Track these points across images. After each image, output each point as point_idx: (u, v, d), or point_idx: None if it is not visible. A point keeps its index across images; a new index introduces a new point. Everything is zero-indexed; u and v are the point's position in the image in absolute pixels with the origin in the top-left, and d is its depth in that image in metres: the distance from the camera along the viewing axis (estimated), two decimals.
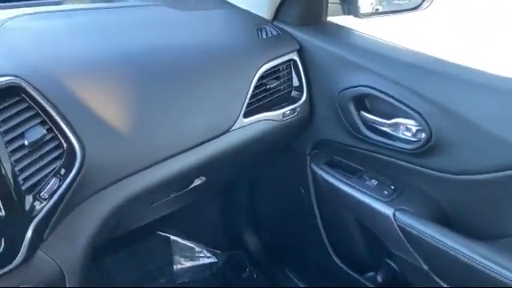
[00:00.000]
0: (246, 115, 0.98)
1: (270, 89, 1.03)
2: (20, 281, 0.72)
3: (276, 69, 1.04)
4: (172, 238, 1.66)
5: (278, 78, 1.05)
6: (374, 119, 0.98)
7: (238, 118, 0.97)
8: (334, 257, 1.23)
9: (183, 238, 1.67)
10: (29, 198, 0.68)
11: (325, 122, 1.10)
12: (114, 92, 0.81)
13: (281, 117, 1.05)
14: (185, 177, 0.97)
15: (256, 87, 0.99)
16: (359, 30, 1.12)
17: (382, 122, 0.97)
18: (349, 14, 1.12)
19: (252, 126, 1.00)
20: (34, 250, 0.71)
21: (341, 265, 1.22)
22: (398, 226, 0.93)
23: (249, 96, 0.98)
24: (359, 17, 1.11)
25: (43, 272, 0.74)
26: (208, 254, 1.68)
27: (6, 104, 0.68)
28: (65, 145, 0.73)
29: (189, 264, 1.64)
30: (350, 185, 1.04)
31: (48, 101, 0.71)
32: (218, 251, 1.67)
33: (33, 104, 0.70)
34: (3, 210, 0.65)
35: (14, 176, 0.67)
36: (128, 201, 0.84)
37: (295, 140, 1.17)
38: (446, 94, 0.88)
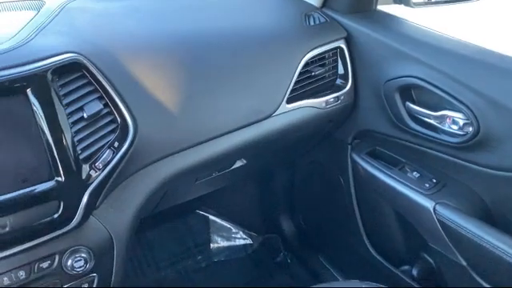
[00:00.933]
0: (289, 101, 1.00)
1: (315, 76, 1.04)
2: (74, 243, 0.78)
3: (322, 56, 1.05)
4: (210, 217, 1.71)
5: (323, 66, 1.06)
6: (419, 110, 0.97)
7: (281, 103, 0.98)
8: (370, 247, 1.23)
9: (221, 219, 1.72)
10: (85, 167, 0.74)
11: (368, 111, 1.10)
12: (166, 72, 0.85)
13: (324, 104, 1.06)
14: (227, 158, 1.00)
15: (301, 74, 1.00)
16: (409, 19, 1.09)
17: (427, 114, 0.96)
18: (400, 3, 1.10)
19: (294, 112, 1.01)
20: (88, 216, 0.76)
21: (376, 255, 1.22)
22: (438, 220, 0.92)
23: (293, 82, 0.99)
24: (411, 6, 1.08)
25: (94, 237, 0.80)
26: (244, 236, 1.72)
27: (68, 79, 0.73)
28: (119, 119, 0.78)
29: (225, 244, 1.69)
30: (390, 176, 1.04)
31: (105, 77, 0.76)
32: (254, 234, 1.71)
33: (92, 80, 0.75)
34: (63, 176, 0.71)
35: (74, 145, 0.72)
36: (174, 176, 0.88)
37: (337, 128, 1.17)
38: (496, 87, 0.85)
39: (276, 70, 0.97)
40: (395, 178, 1.03)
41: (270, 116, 0.97)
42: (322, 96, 1.06)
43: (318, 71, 1.05)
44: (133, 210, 0.85)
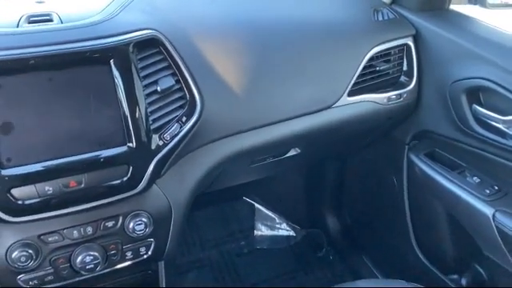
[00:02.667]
0: (350, 94, 1.00)
1: (379, 71, 1.04)
2: (137, 207, 0.83)
3: (387, 52, 1.04)
4: (256, 205, 1.75)
5: (388, 62, 1.05)
6: (487, 114, 0.94)
7: (342, 95, 0.99)
8: (418, 251, 1.21)
9: (267, 208, 1.75)
10: (155, 137, 0.78)
11: (431, 111, 1.07)
12: (235, 56, 0.88)
13: (385, 100, 1.05)
14: (283, 144, 1.02)
15: (365, 67, 1.00)
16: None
17: (495, 118, 0.92)
18: (475, 3, 1.07)
19: (355, 105, 1.02)
20: (152, 183, 0.81)
21: (423, 260, 1.20)
22: (497, 228, 0.89)
23: (356, 75, 1.00)
24: (486, 7, 1.05)
25: (155, 204, 0.85)
26: (287, 228, 1.74)
27: (146, 53, 0.78)
28: (188, 96, 0.82)
29: (268, 233, 1.72)
30: (449, 179, 1.01)
31: (179, 55, 0.80)
32: (297, 227, 1.73)
33: (167, 56, 0.80)
34: (134, 143, 0.76)
35: (146, 116, 0.77)
36: (232, 156, 0.92)
37: (396, 127, 1.16)
38: None
39: (341, 62, 0.98)
40: (454, 182, 1.00)
41: (329, 107, 0.98)
42: (384, 92, 1.05)
43: (383, 67, 1.04)
44: (192, 183, 0.89)
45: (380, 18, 1.06)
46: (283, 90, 0.93)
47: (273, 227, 1.74)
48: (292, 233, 1.73)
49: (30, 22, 0.74)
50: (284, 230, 1.74)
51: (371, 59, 1.01)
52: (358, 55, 0.99)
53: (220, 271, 1.55)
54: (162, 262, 0.93)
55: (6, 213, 0.70)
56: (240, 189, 1.67)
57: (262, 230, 1.72)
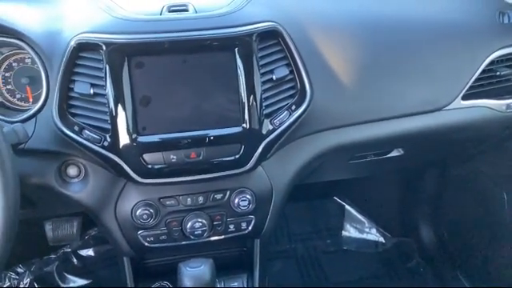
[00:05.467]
0: (464, 97, 0.96)
1: (499, 76, 0.98)
2: (243, 184, 0.90)
3: (511, 56, 0.98)
4: (347, 207, 1.74)
5: (510, 67, 0.99)
6: None
7: (455, 98, 0.96)
8: None
9: (357, 211, 1.73)
10: (266, 122, 0.84)
11: None
12: (349, 50, 0.91)
13: (504, 108, 0.99)
14: (387, 143, 1.02)
15: (484, 71, 0.96)
16: None
17: None
18: None
19: (468, 110, 0.97)
20: (258, 164, 0.87)
21: None
22: None
23: (473, 79, 0.96)
24: None
25: (259, 184, 0.91)
26: (377, 233, 1.71)
27: (266, 44, 0.84)
28: (299, 86, 0.86)
29: (357, 235, 1.71)
30: None
31: (295, 47, 0.85)
32: (388, 234, 1.69)
33: (284, 47, 0.85)
34: (248, 125, 0.82)
35: (261, 101, 0.83)
36: (334, 148, 0.94)
37: None
38: None
39: (458, 63, 0.95)
40: None
41: (441, 109, 0.96)
42: (503, 99, 0.99)
43: (504, 72, 0.98)
44: (294, 169, 0.94)
45: (506, 21, 1.00)
46: (394, 88, 0.93)
47: (361, 230, 1.72)
48: (381, 239, 1.69)
49: (170, 11, 0.84)
50: (373, 235, 1.71)
51: (491, 63, 0.97)
52: (478, 58, 0.95)
53: (305, 265, 1.58)
54: (258, 241, 1.00)
55: (137, 174, 0.81)
56: (331, 188, 1.68)
57: (350, 232, 1.72)
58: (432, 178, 1.43)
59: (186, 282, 0.82)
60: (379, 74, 0.92)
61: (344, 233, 1.70)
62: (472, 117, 0.98)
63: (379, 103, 0.92)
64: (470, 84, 0.95)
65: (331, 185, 1.61)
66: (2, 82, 0.90)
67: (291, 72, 0.86)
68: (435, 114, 0.95)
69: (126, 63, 0.77)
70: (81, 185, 0.86)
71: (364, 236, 1.71)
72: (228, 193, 0.89)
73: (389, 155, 1.11)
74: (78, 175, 0.86)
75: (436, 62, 0.94)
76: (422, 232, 1.54)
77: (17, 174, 0.64)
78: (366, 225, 1.72)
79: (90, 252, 1.56)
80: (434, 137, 1.00)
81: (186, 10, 0.84)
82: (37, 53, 0.82)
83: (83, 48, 0.78)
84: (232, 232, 0.92)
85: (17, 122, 0.78)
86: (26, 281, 1.47)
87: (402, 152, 1.10)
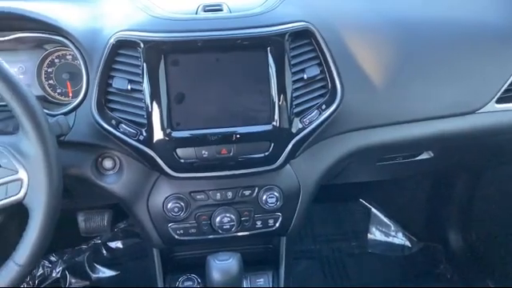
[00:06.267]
0: (499, 101, 0.94)
1: None
2: (271, 182, 0.91)
3: None
4: (373, 210, 1.73)
5: None
6: None
7: (489, 101, 0.94)
8: None
9: (383, 214, 1.72)
10: (296, 120, 0.85)
11: None
12: (381, 51, 0.91)
13: None
14: (417, 145, 1.01)
15: None
16: None
17: None
18: None
19: (503, 113, 0.96)
20: (287, 162, 0.88)
21: None
22: None
23: (509, 82, 0.94)
24: None
25: (287, 181, 0.92)
26: (403, 238, 1.69)
27: (298, 43, 0.85)
28: (330, 86, 0.87)
29: (382, 239, 1.69)
30: None
31: (327, 47, 0.86)
32: (414, 238, 1.66)
33: (316, 47, 0.86)
34: (278, 123, 0.84)
35: (291, 100, 0.84)
36: (363, 149, 0.94)
37: None
38: None
39: (493, 66, 0.94)
40: None
41: (474, 112, 0.94)
42: None
43: None
44: (321, 168, 0.94)
45: None
46: (426, 90, 0.92)
47: (387, 234, 1.71)
48: (407, 243, 1.67)
49: (205, 11, 0.87)
50: (399, 238, 1.69)
51: None
52: None
53: (329, 266, 1.58)
54: (285, 238, 1.01)
55: (170, 168, 0.83)
56: (357, 190, 1.67)
57: (375, 235, 1.70)
58: (462, 181, 1.41)
59: (214, 274, 0.84)
60: (411, 75, 0.91)
61: (369, 236, 1.69)
62: (507, 121, 0.96)
63: (410, 104, 0.92)
64: (505, 87, 0.94)
65: (357, 187, 1.60)
66: (45, 77, 0.95)
67: (322, 72, 0.87)
68: (468, 116, 0.94)
69: (162, 60, 0.80)
70: (115, 177, 0.89)
71: (390, 239, 1.69)
72: (256, 189, 0.91)
73: (418, 158, 1.10)
74: (114, 167, 0.89)
75: (470, 63, 0.93)
76: (451, 237, 1.51)
77: (60, 163, 0.67)
78: (392, 228, 1.70)
79: (118, 244, 1.61)
80: (466, 140, 0.98)
81: (221, 10, 0.87)
82: (78, 50, 0.85)
83: (122, 45, 0.81)
84: (259, 228, 0.93)
85: (58, 115, 0.82)
86: (59, 269, 1.53)
87: (432, 155, 1.09)
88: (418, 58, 0.92)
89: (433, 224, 1.58)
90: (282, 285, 1.01)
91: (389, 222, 1.71)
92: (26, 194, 0.64)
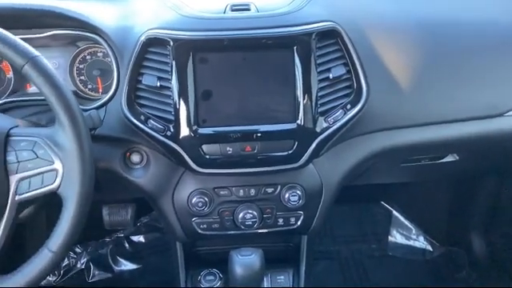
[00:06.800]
0: None
1: None
2: (294, 180, 0.92)
3: None
4: (394, 212, 1.71)
5: None
6: None
7: None
8: None
9: (404, 217, 1.70)
10: (321, 119, 0.86)
11: None
12: (407, 52, 0.91)
13: None
14: (443, 147, 1.00)
15: None
16: None
17: None
18: None
19: None
20: (310, 161, 0.89)
21: None
22: None
23: None
24: None
25: (310, 180, 0.93)
26: (424, 242, 1.67)
27: (325, 43, 0.86)
28: (355, 86, 0.87)
29: (403, 242, 1.68)
30: None
31: (353, 47, 0.86)
32: (436, 242, 1.64)
33: (342, 47, 0.86)
34: (302, 121, 0.84)
35: (316, 99, 0.85)
36: (388, 150, 0.94)
37: None
38: None
39: None
40: None
41: (501, 114, 0.93)
42: None
43: None
44: (345, 168, 0.95)
45: None
46: (452, 91, 0.91)
47: (408, 237, 1.69)
48: (429, 247, 1.65)
49: (233, 10, 0.88)
50: (420, 242, 1.67)
51: None
52: None
53: (348, 267, 1.58)
54: (306, 237, 1.01)
55: (196, 163, 0.85)
56: (379, 192, 1.66)
57: (396, 238, 1.69)
58: (486, 185, 1.38)
59: (237, 268, 0.85)
60: (438, 76, 0.91)
61: (390, 238, 1.68)
62: None
63: (437, 106, 0.91)
64: None
65: (378, 189, 1.59)
66: (76, 73, 0.98)
67: (348, 71, 0.87)
68: (496, 119, 0.93)
69: (190, 58, 0.81)
70: (142, 171, 0.91)
71: (411, 243, 1.67)
72: (279, 187, 0.92)
73: (443, 160, 1.09)
74: (141, 162, 0.92)
75: (500, 65, 0.92)
76: (474, 242, 1.49)
77: (93, 155, 0.70)
78: (414, 232, 1.69)
79: (141, 238, 1.64)
80: (493, 143, 0.97)
81: (248, 9, 0.88)
82: (110, 47, 0.88)
83: (152, 43, 0.83)
84: (281, 226, 0.94)
85: (89, 110, 0.85)
86: (83, 260, 1.57)
87: (457, 158, 1.08)
88: (444, 58, 0.91)
89: (455, 228, 1.56)
90: (302, 284, 1.02)
91: (410, 226, 1.69)
92: (60, 183, 0.67)
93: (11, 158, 0.68)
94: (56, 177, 0.67)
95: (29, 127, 0.77)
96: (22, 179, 0.67)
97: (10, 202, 0.68)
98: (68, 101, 0.68)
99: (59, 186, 0.68)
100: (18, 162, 0.68)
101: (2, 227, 0.68)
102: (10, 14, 0.85)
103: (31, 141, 0.69)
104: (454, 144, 0.97)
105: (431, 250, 1.63)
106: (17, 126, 0.72)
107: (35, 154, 0.68)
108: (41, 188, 0.68)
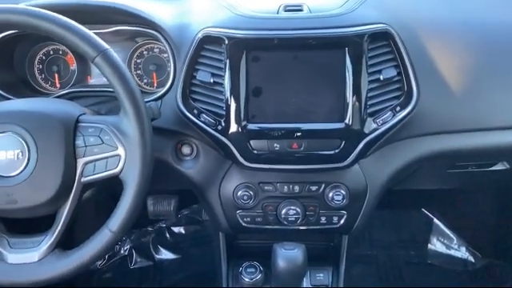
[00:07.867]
0: None
1: None
2: (338, 179, 0.93)
3: None
4: (435, 220, 1.68)
5: None
6: None
7: None
8: None
9: (445, 225, 1.66)
10: (369, 120, 0.86)
11: None
12: (460, 55, 0.90)
13: None
14: (493, 154, 0.98)
15: None
16: None
17: None
18: None
19: None
20: (356, 161, 0.89)
21: None
22: None
23: None
24: None
25: (355, 181, 0.93)
26: (465, 252, 1.63)
27: (376, 45, 0.86)
28: (406, 88, 0.87)
29: (444, 251, 1.64)
30: None
31: (405, 49, 0.86)
32: (478, 254, 1.59)
33: (394, 49, 0.87)
34: (351, 121, 0.85)
35: (366, 100, 0.86)
36: (435, 154, 0.93)
37: None
38: None
39: None
40: None
41: None
42: None
43: None
44: (391, 170, 0.94)
45: None
46: (505, 97, 0.89)
47: (449, 246, 1.65)
48: (471, 258, 1.61)
49: (286, 10, 0.90)
50: (462, 252, 1.63)
51: None
52: None
53: (385, 273, 1.56)
54: (347, 237, 1.02)
55: (243, 158, 0.88)
56: (420, 199, 1.63)
57: (436, 246, 1.65)
58: None
59: (280, 262, 0.87)
60: (491, 81, 0.89)
61: (430, 246, 1.64)
62: None
63: (488, 112, 0.90)
64: None
65: (420, 196, 1.57)
66: (134, 67, 1.04)
67: (399, 73, 0.87)
68: None
69: (243, 56, 0.84)
70: (192, 162, 0.95)
71: (451, 252, 1.63)
72: (323, 186, 0.93)
73: (492, 168, 1.06)
74: (191, 154, 0.95)
75: None
76: None
77: (153, 143, 0.74)
78: (455, 241, 1.64)
79: (181, 230, 1.70)
80: None
81: (301, 10, 0.90)
82: (168, 43, 0.93)
83: (208, 41, 0.86)
84: (323, 224, 0.95)
85: (147, 102, 0.89)
86: (126, 247, 1.65)
87: (508, 166, 1.05)
88: (498, 63, 0.90)
89: (500, 240, 1.51)
90: (341, 283, 1.02)
91: (451, 235, 1.65)
92: (122, 168, 0.72)
93: (79, 142, 0.74)
94: (119, 162, 0.72)
95: (95, 115, 0.83)
96: (88, 163, 0.73)
97: (76, 183, 0.73)
98: (134, 92, 0.72)
99: (121, 171, 0.72)
100: (86, 146, 0.73)
101: (68, 206, 0.73)
102: (80, 9, 0.91)
103: (98, 127, 0.74)
104: (505, 152, 0.95)
105: (473, 261, 1.58)
106: (85, 114, 0.78)
107: (101, 139, 0.73)
108: (104, 172, 0.73)
